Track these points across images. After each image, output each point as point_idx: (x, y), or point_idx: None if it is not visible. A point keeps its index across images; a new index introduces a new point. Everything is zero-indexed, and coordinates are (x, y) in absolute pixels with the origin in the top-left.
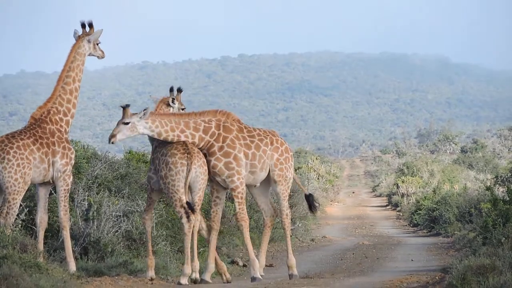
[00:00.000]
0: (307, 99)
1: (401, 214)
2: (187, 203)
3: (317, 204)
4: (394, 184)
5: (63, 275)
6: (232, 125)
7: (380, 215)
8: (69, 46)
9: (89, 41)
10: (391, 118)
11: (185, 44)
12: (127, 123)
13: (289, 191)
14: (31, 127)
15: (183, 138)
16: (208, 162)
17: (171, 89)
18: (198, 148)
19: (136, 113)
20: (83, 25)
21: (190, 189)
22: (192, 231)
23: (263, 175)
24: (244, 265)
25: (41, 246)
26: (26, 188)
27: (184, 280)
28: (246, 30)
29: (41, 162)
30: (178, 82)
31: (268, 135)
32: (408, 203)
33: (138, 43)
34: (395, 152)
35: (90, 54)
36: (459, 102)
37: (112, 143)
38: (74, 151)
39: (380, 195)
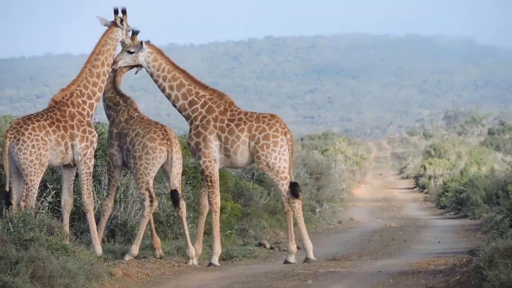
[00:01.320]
0: (334, 81)
1: (428, 196)
2: (174, 192)
3: (300, 193)
4: (421, 166)
5: (90, 258)
6: (219, 106)
7: (407, 197)
8: (97, 29)
9: (122, 28)
10: (418, 100)
11: (212, 26)
12: (132, 53)
13: (281, 175)
14: (50, 109)
15: (166, 93)
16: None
17: (116, 11)
18: (185, 119)
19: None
20: (116, 11)
21: (168, 174)
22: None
23: (240, 159)
24: (271, 247)
25: (67, 228)
26: (43, 170)
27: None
28: (273, 12)
29: (57, 144)
30: (204, 65)
31: (251, 121)
32: (435, 185)
33: (165, 25)
34: (422, 134)
35: (122, 42)
36: (486, 84)
37: (113, 68)
38: (97, 134)
39: (407, 177)
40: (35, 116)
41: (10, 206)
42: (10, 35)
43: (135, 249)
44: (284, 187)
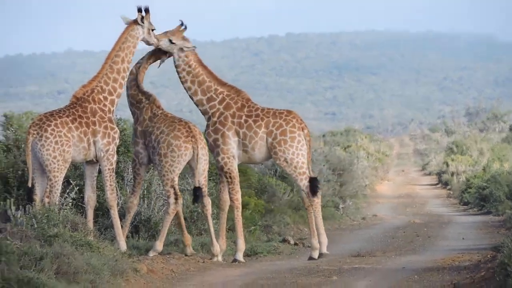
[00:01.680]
0: (355, 77)
1: (451, 192)
2: (197, 189)
3: (318, 189)
4: (444, 163)
5: (114, 254)
6: (236, 102)
7: (430, 194)
8: (118, 25)
9: (143, 26)
10: (439, 97)
11: (233, 22)
12: (173, 43)
13: (300, 170)
14: (72, 106)
15: (187, 86)
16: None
17: (139, 10)
18: (202, 114)
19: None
20: (139, 10)
21: (194, 171)
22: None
23: (258, 155)
24: (295, 244)
25: (90, 224)
26: (67, 166)
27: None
28: (293, 9)
29: (79, 141)
30: (225, 61)
31: (268, 117)
32: (458, 182)
33: (187, 21)
34: (444, 130)
35: (144, 40)
36: (507, 80)
37: (154, 46)
38: (118, 131)
39: (429, 174)
40: (58, 112)
41: (32, 202)
42: (32, 31)
43: (159, 245)
44: (303, 182)
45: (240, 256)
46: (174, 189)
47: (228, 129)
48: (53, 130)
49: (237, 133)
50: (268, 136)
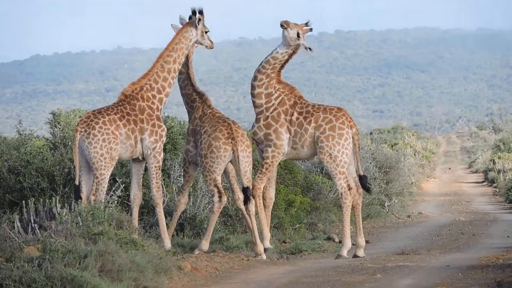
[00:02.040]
0: (404, 75)
1: (497, 190)
2: (245, 189)
3: (369, 185)
4: (491, 160)
5: (158, 252)
6: (290, 99)
7: (476, 192)
8: (167, 23)
9: (197, 28)
10: (487, 94)
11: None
12: (298, 38)
13: (340, 169)
14: (120, 103)
15: (260, 77)
16: (252, 126)
17: (194, 12)
18: (253, 105)
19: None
20: (193, 12)
21: (237, 172)
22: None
23: (306, 151)
24: (340, 241)
25: (136, 222)
26: (114, 164)
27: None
28: (343, 6)
29: (127, 138)
30: None
31: (318, 112)
32: (505, 179)
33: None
34: (491, 128)
35: (197, 42)
36: None
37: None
38: (166, 129)
39: (476, 171)
40: (105, 110)
41: (79, 200)
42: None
43: (205, 244)
44: (341, 181)
45: (267, 244)
46: (218, 188)
47: (281, 125)
48: (100, 127)
49: (289, 130)
50: (317, 130)
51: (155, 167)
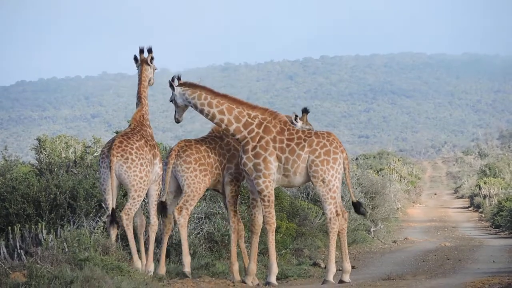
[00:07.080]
0: (389, 100)
1: (483, 215)
2: (162, 203)
3: (364, 210)
4: (476, 186)
5: (144, 277)
6: (275, 126)
7: (462, 217)
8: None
9: (151, 66)
10: (473, 120)
11: (267, 45)
12: (171, 101)
13: (332, 194)
14: (137, 129)
15: (218, 119)
16: (240, 158)
17: (303, 110)
18: (236, 139)
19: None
20: (141, 51)
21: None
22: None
23: (298, 179)
24: (326, 267)
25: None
26: (147, 188)
27: (272, 279)
28: (327, 32)
29: (150, 163)
30: (260, 84)
31: (311, 137)
32: (490, 205)
33: (220, 44)
34: (477, 153)
35: (150, 80)
36: None
37: (177, 122)
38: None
39: (462, 197)
40: (132, 135)
41: (116, 224)
42: (66, 55)
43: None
44: (331, 206)
45: (273, 279)
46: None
47: (270, 154)
48: (136, 153)
49: (279, 158)
50: (311, 154)
51: (157, 194)
